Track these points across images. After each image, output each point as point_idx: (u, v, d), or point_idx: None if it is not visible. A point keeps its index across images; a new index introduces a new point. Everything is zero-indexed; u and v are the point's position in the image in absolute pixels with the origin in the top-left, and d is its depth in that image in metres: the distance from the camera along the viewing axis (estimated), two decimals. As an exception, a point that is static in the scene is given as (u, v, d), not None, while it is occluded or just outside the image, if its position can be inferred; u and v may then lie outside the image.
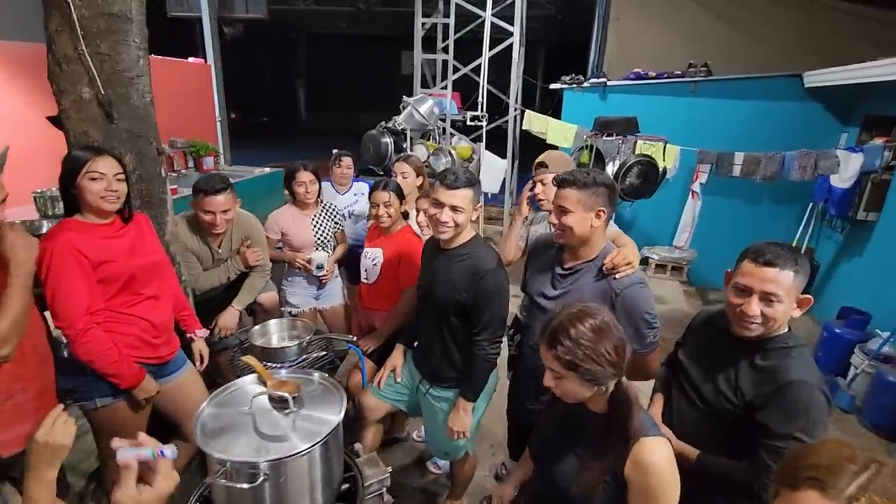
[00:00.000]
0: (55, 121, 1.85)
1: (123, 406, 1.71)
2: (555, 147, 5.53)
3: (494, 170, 5.47)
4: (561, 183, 1.61)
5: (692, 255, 5.14)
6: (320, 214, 2.88)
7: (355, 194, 3.75)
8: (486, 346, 1.87)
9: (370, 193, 2.48)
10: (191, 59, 7.07)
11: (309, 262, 2.72)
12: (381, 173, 5.36)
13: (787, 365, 1.24)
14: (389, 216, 2.41)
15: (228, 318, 2.43)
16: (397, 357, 2.16)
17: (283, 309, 2.91)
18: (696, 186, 4.75)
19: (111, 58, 1.76)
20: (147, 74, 1.92)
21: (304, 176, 2.72)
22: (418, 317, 2.13)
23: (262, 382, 1.30)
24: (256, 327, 2.10)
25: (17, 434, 1.39)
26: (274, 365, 1.98)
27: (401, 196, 2.46)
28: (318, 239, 2.84)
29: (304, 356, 2.05)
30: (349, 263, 3.35)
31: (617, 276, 1.59)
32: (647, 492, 1.11)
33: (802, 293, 1.29)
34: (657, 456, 1.11)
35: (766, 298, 1.25)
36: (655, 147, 4.03)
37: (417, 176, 2.88)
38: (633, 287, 1.58)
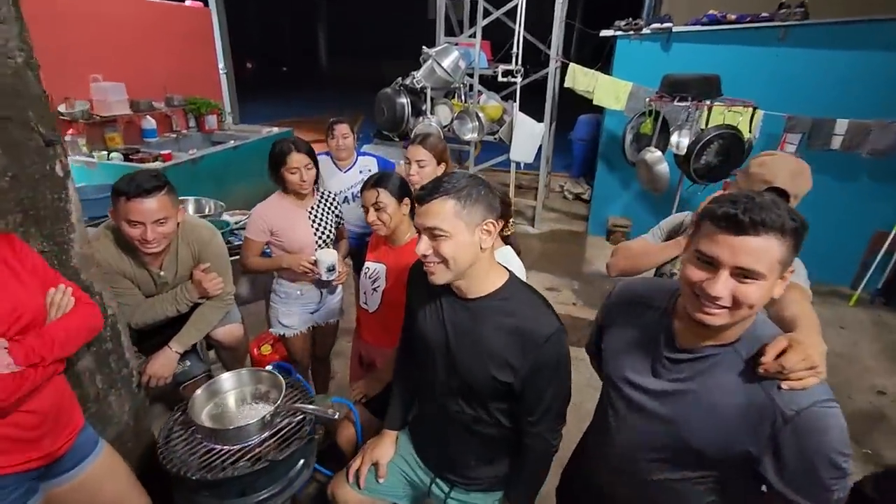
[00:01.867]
0: None
1: None
2: (598, 110, 4.66)
3: (529, 135, 4.65)
4: (752, 225, 0.85)
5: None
6: (319, 205, 2.23)
7: (361, 171, 3.07)
8: (548, 437, 1.27)
9: (362, 191, 1.81)
10: (188, 2, 6.26)
11: (314, 264, 2.08)
12: (397, 140, 4.63)
13: None
14: (383, 222, 1.75)
15: (160, 365, 1.79)
16: (383, 449, 1.53)
17: (272, 331, 2.33)
18: (779, 161, 3.87)
19: (-67, -5, 1.09)
20: (14, 22, 1.24)
21: (298, 160, 2.03)
22: (414, 389, 1.51)
23: None
24: (199, 392, 1.49)
25: None
26: (227, 448, 1.41)
27: (403, 194, 1.77)
28: (320, 237, 2.20)
29: (270, 432, 1.46)
30: (358, 254, 2.75)
31: (784, 386, 0.90)
32: None
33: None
34: None
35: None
36: (743, 115, 3.16)
37: (439, 163, 2.16)
38: (818, 409, 0.89)
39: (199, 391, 1.48)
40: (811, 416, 0.88)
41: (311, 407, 1.46)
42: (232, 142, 5.42)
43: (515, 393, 1.23)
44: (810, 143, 3.71)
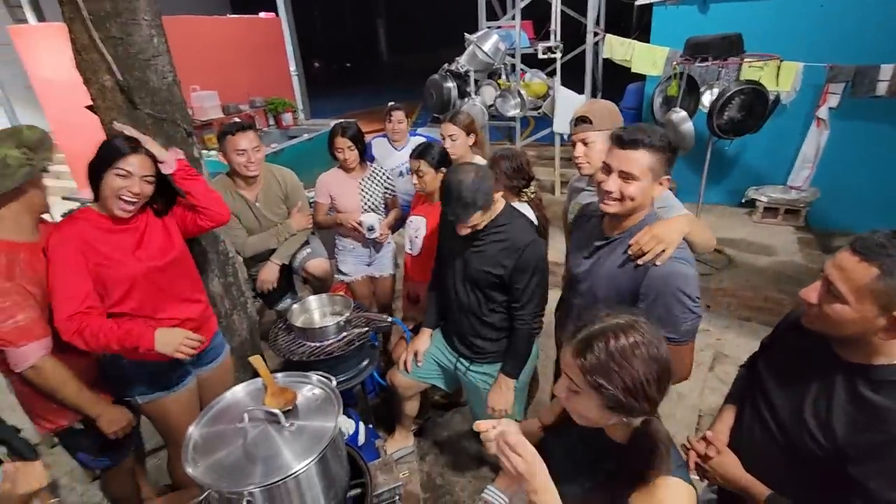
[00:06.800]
0: (93, 109, 1.87)
1: (166, 402, 1.74)
2: (641, 77, 4.82)
3: (570, 107, 4.90)
4: (628, 143, 1.29)
5: (814, 194, 4.31)
6: (368, 179, 2.76)
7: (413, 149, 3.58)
8: (528, 321, 1.77)
9: (409, 158, 2.31)
10: (261, 14, 7.09)
11: (360, 224, 2.64)
12: (447, 121, 5.08)
13: None
14: (421, 186, 2.27)
15: (268, 272, 2.49)
16: (421, 341, 2.08)
17: (336, 276, 2.92)
18: (822, 112, 3.87)
19: (123, 41, 1.70)
20: (165, 54, 1.85)
21: (341, 142, 2.60)
22: (442, 294, 2.01)
23: (264, 387, 1.25)
24: (296, 305, 2.10)
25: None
26: (314, 344, 1.98)
27: (441, 164, 2.25)
28: (366, 204, 2.74)
29: (344, 334, 2.02)
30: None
31: (640, 262, 1.30)
32: None
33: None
34: (676, 499, 0.89)
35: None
36: (766, 68, 3.27)
37: (469, 134, 2.61)
38: (670, 262, 1.27)
39: (294, 306, 2.08)
40: (664, 265, 1.27)
41: (373, 315, 2.00)
42: (305, 135, 6.12)
43: (506, 285, 1.72)
44: (855, 91, 3.68)
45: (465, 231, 1.70)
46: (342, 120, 2.85)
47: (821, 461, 1.00)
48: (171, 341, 1.50)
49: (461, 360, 1.97)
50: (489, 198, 1.65)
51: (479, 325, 1.86)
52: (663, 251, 1.27)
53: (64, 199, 4.33)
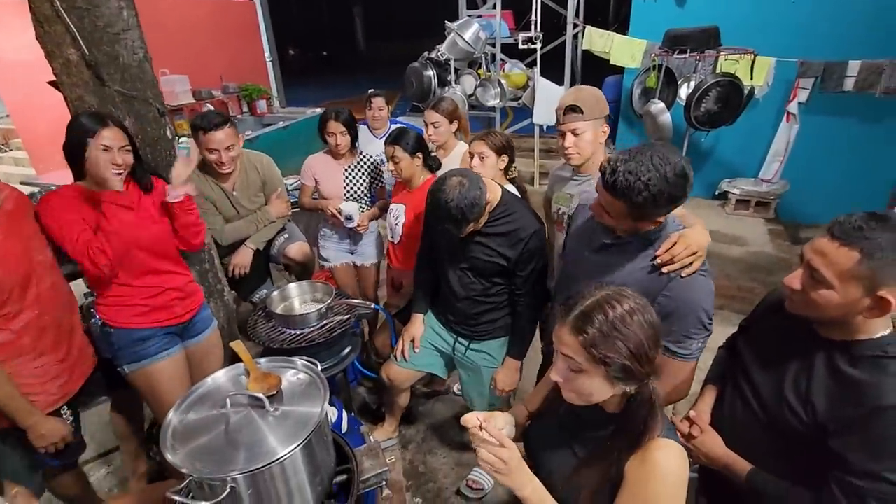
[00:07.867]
0: (56, 86, 1.77)
1: (153, 370, 1.74)
2: (619, 69, 4.86)
3: (550, 98, 4.92)
4: (611, 189, 1.15)
5: (783, 187, 4.45)
6: (355, 166, 2.69)
7: (394, 138, 3.52)
8: (531, 304, 1.81)
9: (384, 145, 2.26)
10: (235, -3, 6.86)
11: (339, 212, 2.56)
12: (427, 110, 5.03)
13: (882, 383, 0.93)
14: (398, 172, 2.22)
15: (242, 257, 2.40)
16: (415, 327, 2.05)
17: (319, 262, 2.86)
18: (792, 107, 3.98)
19: (90, 12, 1.61)
20: (135, 28, 1.75)
21: (334, 126, 2.52)
22: (434, 278, 2.00)
23: (246, 372, 1.21)
24: (275, 292, 2.04)
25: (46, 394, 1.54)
26: (295, 331, 1.94)
27: (416, 149, 2.20)
28: (349, 191, 2.67)
29: (325, 321, 1.98)
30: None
31: (666, 271, 1.21)
32: (644, 495, 0.88)
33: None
34: (670, 459, 0.89)
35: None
36: (741, 62, 3.34)
37: (452, 121, 2.57)
38: (694, 275, 1.21)
39: (274, 293, 2.02)
40: (688, 279, 1.21)
41: (355, 301, 1.96)
42: (281, 122, 5.92)
43: (509, 271, 1.73)
44: (824, 85, 3.81)
45: (464, 234, 1.68)
46: (319, 109, 2.77)
47: (801, 436, 1.03)
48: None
49: (460, 340, 1.96)
50: (480, 207, 1.58)
51: (478, 306, 1.86)
52: (695, 258, 1.20)
53: (22, 183, 4.12)
